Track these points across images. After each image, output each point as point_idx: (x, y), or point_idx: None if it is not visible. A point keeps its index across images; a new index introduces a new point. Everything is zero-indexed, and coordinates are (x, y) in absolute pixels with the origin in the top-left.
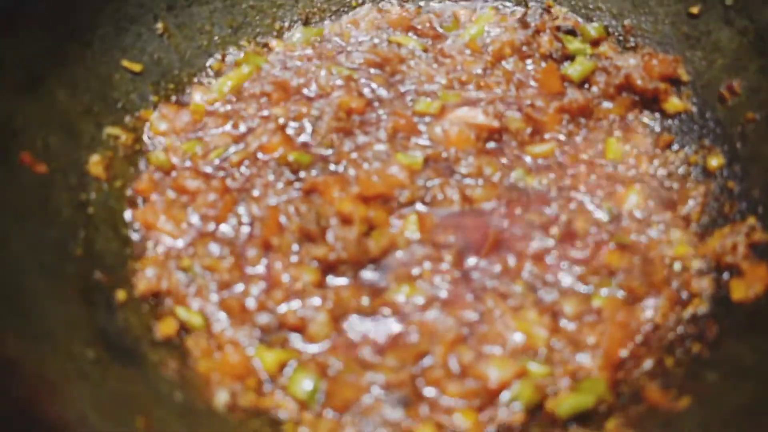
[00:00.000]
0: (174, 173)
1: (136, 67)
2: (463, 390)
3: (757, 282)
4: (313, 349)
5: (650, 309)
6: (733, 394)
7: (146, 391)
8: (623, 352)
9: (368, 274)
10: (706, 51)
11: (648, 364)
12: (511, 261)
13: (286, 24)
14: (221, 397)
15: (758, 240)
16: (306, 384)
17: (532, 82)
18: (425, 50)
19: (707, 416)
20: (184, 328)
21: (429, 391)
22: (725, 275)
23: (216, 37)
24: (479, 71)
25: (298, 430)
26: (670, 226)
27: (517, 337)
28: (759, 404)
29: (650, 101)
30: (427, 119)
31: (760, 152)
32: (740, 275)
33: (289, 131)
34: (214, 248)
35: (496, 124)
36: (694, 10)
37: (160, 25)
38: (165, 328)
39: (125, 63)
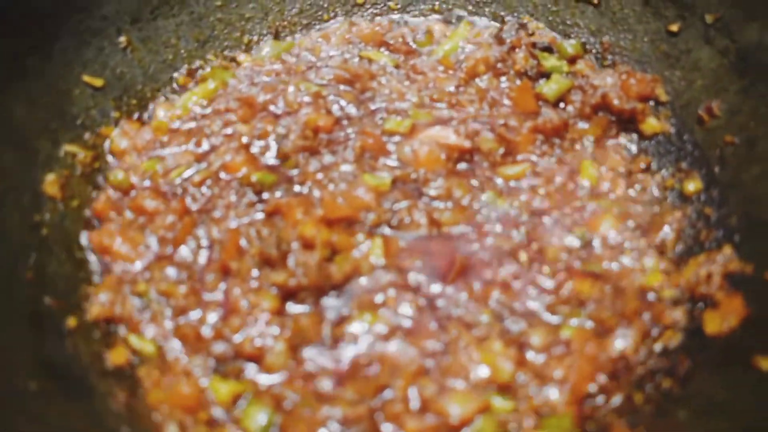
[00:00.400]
0: (133, 193)
1: (98, 82)
2: (423, 426)
3: (732, 314)
4: (269, 380)
5: (621, 341)
6: None
7: (91, 426)
8: (591, 387)
9: (330, 301)
10: (686, 70)
11: (616, 400)
12: (478, 288)
13: (255, 38)
14: (170, 431)
15: (734, 270)
16: (260, 418)
17: (506, 101)
18: (397, 66)
19: None
20: (136, 357)
21: (387, 427)
22: (699, 306)
23: (182, 51)
24: (452, 89)
25: None
26: (644, 253)
27: (482, 370)
28: None
29: (627, 122)
30: (397, 138)
31: (739, 177)
32: (715, 307)
33: (254, 150)
34: (171, 272)
35: (467, 144)
36: (674, 27)
37: (123, 39)
38: (116, 357)
39: (86, 78)
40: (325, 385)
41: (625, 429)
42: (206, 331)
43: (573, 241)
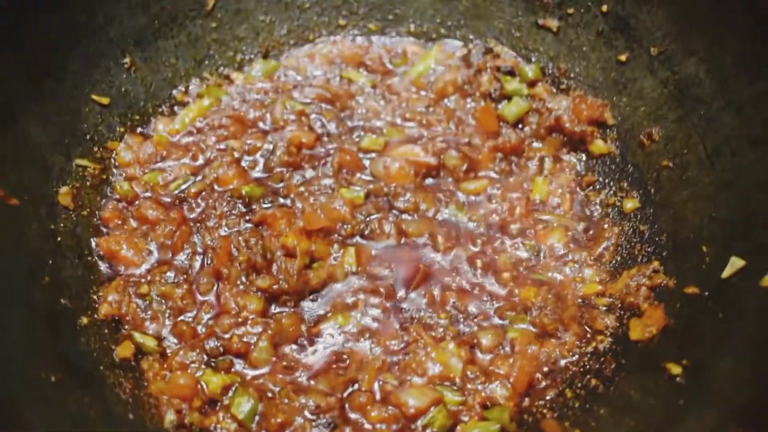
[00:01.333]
0: (137, 203)
1: (104, 100)
2: (384, 416)
3: (654, 324)
4: (254, 373)
5: (558, 344)
6: (615, 430)
7: (102, 413)
8: (530, 383)
9: (308, 304)
10: (631, 97)
11: (550, 395)
12: (437, 294)
13: (247, 57)
14: (169, 417)
15: (659, 283)
16: (245, 406)
17: (471, 121)
18: (374, 86)
19: None
20: (140, 352)
21: (354, 416)
22: (628, 315)
23: (180, 70)
24: (422, 109)
25: None
26: (584, 265)
27: (437, 368)
28: None
29: (577, 142)
30: (372, 155)
31: (671, 200)
32: (639, 316)
33: (244, 164)
34: (170, 276)
35: (434, 161)
36: (623, 57)
37: (127, 60)
38: (122, 351)
39: (94, 96)
40: (302, 378)
41: (554, 422)
42: (200, 329)
43: (523, 253)
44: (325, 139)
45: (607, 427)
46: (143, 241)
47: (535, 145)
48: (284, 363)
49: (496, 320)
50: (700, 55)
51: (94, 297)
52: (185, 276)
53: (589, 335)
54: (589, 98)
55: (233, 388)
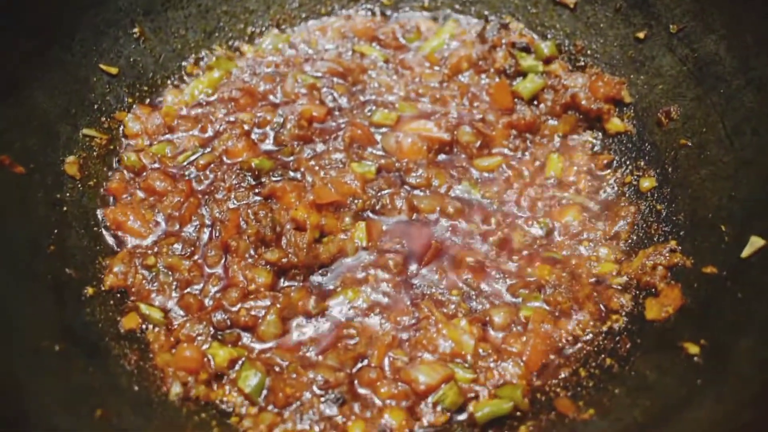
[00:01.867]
0: (144, 174)
1: (113, 70)
2: (394, 392)
3: (671, 303)
4: (261, 347)
5: (572, 322)
6: (630, 409)
7: (106, 383)
8: (543, 362)
9: (317, 279)
10: (649, 75)
11: (564, 374)
12: (450, 270)
13: (258, 29)
14: (175, 389)
15: (676, 263)
16: (252, 380)
17: (485, 97)
18: (386, 61)
19: (605, 428)
20: (146, 323)
21: (363, 391)
22: (644, 294)
23: (190, 41)
24: (436, 84)
25: (242, 422)
26: (600, 243)
27: (448, 344)
28: (649, 420)
29: (594, 120)
30: (384, 129)
31: (688, 179)
32: (656, 295)
33: (254, 137)
34: (178, 248)
35: (447, 137)
36: (641, 34)
37: (136, 30)
38: (128, 323)
39: (102, 66)
40: (310, 352)
41: (568, 401)
42: (207, 302)
43: (537, 230)
44: (337, 113)
45: (621, 407)
46: (150, 213)
47: (551, 122)
48: (292, 337)
49: (509, 298)
50: (720, 32)
51: (100, 267)
52: (193, 248)
53: (603, 314)
54: (606, 76)
55: (240, 362)
